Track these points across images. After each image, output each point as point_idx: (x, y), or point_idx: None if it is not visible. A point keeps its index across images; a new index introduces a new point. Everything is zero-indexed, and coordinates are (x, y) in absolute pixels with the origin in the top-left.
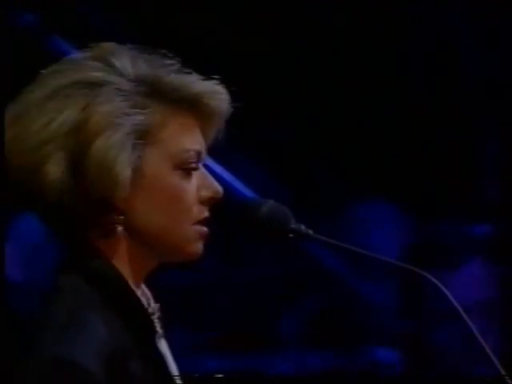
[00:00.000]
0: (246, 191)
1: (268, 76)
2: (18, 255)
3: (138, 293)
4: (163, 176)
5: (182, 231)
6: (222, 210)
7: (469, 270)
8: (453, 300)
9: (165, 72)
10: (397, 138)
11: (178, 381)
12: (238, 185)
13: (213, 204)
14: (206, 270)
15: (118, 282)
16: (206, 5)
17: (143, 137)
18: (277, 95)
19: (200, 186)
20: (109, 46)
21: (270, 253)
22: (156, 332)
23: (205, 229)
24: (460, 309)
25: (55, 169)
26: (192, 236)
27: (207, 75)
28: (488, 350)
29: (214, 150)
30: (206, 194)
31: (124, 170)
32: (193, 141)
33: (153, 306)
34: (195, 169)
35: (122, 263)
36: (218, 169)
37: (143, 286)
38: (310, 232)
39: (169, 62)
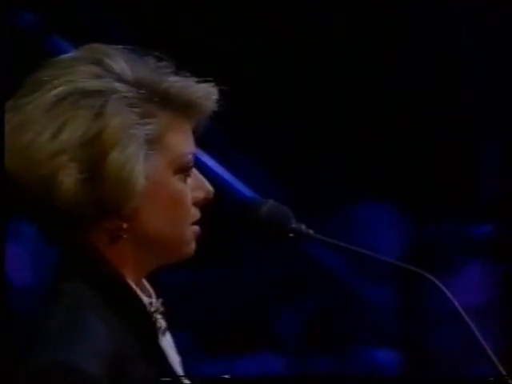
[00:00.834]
0: (246, 191)
1: (268, 76)
2: (20, 256)
3: (139, 291)
4: (167, 182)
5: (181, 234)
6: (222, 209)
7: (469, 269)
8: (453, 300)
9: (161, 75)
10: (397, 137)
11: (186, 380)
12: (238, 185)
13: (204, 205)
14: (206, 270)
15: (118, 283)
16: (206, 5)
17: (154, 146)
18: (277, 95)
19: (193, 187)
20: (101, 47)
21: (270, 253)
22: (159, 329)
23: (198, 228)
24: (460, 309)
25: (69, 180)
26: (189, 237)
27: (207, 75)
28: (488, 350)
29: (215, 150)
30: (198, 195)
31: (139, 181)
32: (189, 143)
33: (155, 302)
34: (191, 171)
35: (122, 265)
36: (219, 169)
37: (144, 282)
38: (311, 232)
39: (163, 64)
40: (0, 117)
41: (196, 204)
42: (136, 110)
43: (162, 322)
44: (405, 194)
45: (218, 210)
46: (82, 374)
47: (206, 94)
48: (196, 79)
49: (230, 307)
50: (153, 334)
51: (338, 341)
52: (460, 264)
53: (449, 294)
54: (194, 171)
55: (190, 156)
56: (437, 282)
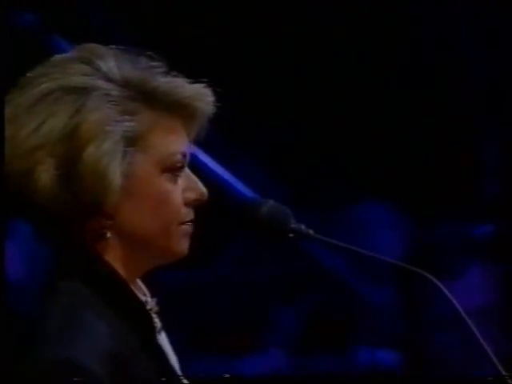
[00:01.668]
0: (246, 191)
1: (268, 76)
2: (19, 255)
3: (136, 290)
4: (152, 181)
5: (169, 233)
6: (222, 209)
7: (469, 270)
8: (453, 300)
9: (152, 75)
10: (397, 137)
11: (184, 380)
12: (238, 185)
13: (197, 206)
14: (206, 270)
15: (114, 281)
16: (206, 5)
17: (133, 143)
18: (277, 95)
19: (185, 187)
20: (94, 47)
21: (270, 253)
22: (155, 326)
23: (189, 228)
24: (460, 309)
25: (45, 175)
26: (178, 236)
27: (207, 75)
28: (489, 350)
29: (215, 150)
30: (190, 195)
31: (115, 178)
32: (179, 143)
33: (150, 302)
34: (181, 170)
35: (116, 265)
36: (219, 169)
37: (139, 282)
38: (311, 232)
39: (155, 63)
40: (0, 117)
41: (188, 204)
42: (117, 107)
43: (157, 322)
44: (405, 194)
45: (218, 210)
46: (84, 371)
47: (196, 94)
48: (188, 80)
49: (230, 307)
50: (152, 332)
51: (338, 341)
52: (460, 264)
53: (448, 294)
54: (187, 172)
55: (180, 156)
56: (437, 282)
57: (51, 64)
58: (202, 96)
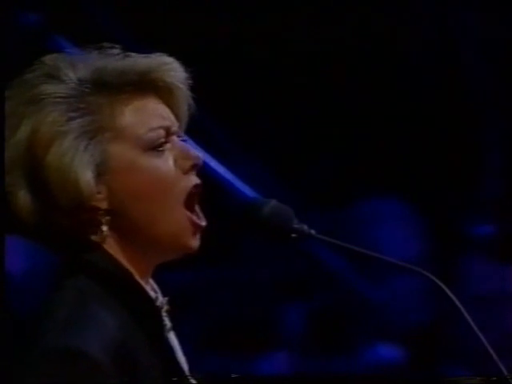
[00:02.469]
0: (249, 191)
1: (268, 76)
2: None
3: (147, 287)
4: (133, 162)
5: (173, 219)
6: (224, 209)
7: (469, 269)
8: (454, 299)
9: (108, 62)
10: (397, 137)
11: (192, 380)
12: (241, 185)
13: (197, 170)
14: (206, 270)
15: (123, 276)
16: (205, 5)
17: (97, 134)
18: (277, 95)
19: (177, 157)
20: (50, 58)
21: (271, 253)
22: (165, 325)
23: (197, 219)
24: (462, 308)
25: (21, 193)
26: (184, 222)
27: (207, 75)
28: (490, 350)
29: (217, 150)
30: (186, 163)
31: (83, 173)
32: (158, 118)
33: (161, 300)
34: (166, 144)
35: (124, 261)
36: (220, 169)
37: (151, 281)
38: (313, 232)
39: (114, 51)
40: (0, 117)
41: (186, 172)
42: (71, 106)
43: (167, 321)
44: (405, 194)
45: (220, 210)
46: (88, 358)
47: (155, 65)
48: (146, 55)
49: (230, 307)
50: (159, 329)
51: (340, 341)
52: (460, 264)
53: (449, 292)
54: (175, 142)
55: (161, 131)
56: (437, 281)
57: (18, 83)
58: (159, 66)
